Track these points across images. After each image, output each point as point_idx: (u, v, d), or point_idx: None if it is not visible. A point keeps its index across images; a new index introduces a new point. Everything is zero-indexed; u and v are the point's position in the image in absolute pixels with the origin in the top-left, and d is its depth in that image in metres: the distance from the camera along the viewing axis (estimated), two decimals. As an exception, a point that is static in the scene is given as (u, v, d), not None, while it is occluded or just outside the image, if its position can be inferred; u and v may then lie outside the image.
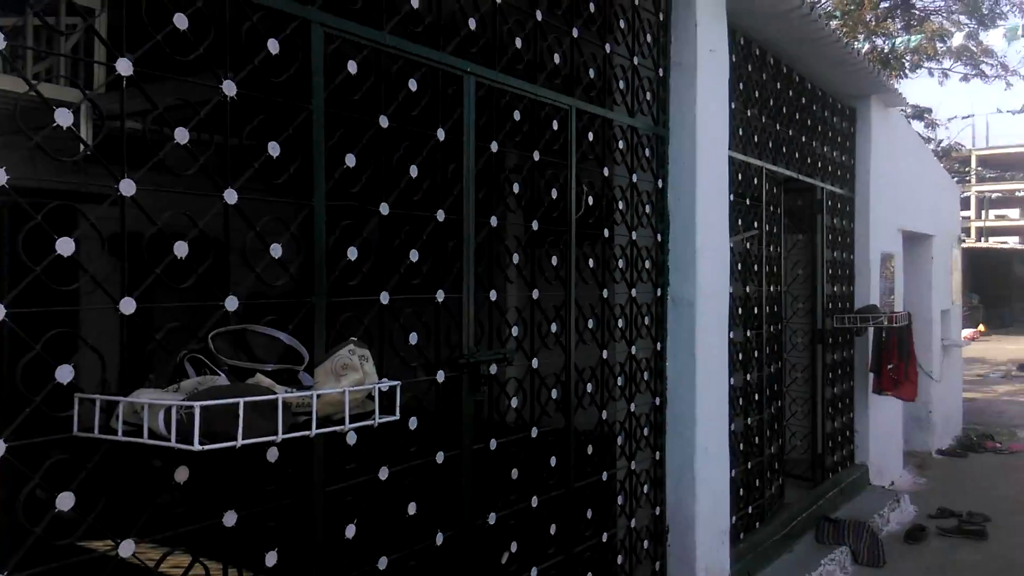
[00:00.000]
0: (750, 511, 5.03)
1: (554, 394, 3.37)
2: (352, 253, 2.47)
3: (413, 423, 2.66)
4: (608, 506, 3.77)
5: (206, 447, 1.58)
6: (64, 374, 1.73)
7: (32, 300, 1.70)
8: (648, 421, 4.06)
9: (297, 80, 2.31)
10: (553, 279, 3.38)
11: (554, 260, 3.38)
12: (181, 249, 1.96)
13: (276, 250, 2.21)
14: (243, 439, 1.63)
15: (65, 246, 1.73)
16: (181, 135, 1.99)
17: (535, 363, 3.26)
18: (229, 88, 2.10)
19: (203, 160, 2.03)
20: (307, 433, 1.78)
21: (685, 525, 4.10)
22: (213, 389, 1.67)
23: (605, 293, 3.69)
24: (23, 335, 1.68)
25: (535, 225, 3.24)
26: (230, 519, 2.04)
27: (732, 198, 4.80)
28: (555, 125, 3.35)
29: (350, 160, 2.46)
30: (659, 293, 4.10)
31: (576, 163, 3.45)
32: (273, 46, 2.23)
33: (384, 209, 2.56)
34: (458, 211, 2.86)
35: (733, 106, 4.83)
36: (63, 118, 1.79)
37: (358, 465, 2.49)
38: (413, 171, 2.69)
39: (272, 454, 2.21)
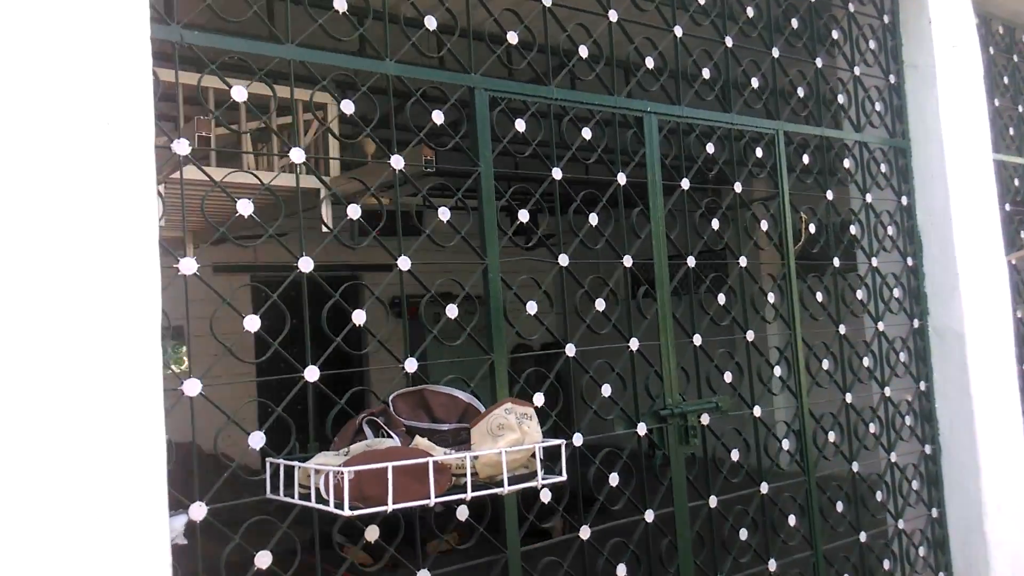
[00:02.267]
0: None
1: (786, 444, 3.06)
2: (531, 307, 2.46)
3: (615, 479, 2.54)
4: (871, 572, 3.29)
5: (356, 512, 1.62)
6: (255, 440, 1.90)
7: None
8: (917, 472, 3.51)
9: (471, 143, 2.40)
10: (773, 319, 3.10)
11: (771, 297, 3.10)
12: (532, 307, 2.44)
13: (532, 307, 2.45)
14: (394, 503, 1.65)
15: (358, 317, 2.09)
16: (444, 213, 2.31)
17: (757, 411, 2.98)
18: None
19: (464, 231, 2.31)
20: (463, 497, 1.77)
21: (979, 598, 3.45)
22: (367, 453, 1.72)
23: (842, 329, 3.30)
24: (331, 394, 2.00)
25: (743, 261, 3.00)
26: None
27: (1008, 208, 4.11)
28: (759, 152, 3.11)
29: (523, 215, 2.48)
30: (916, 325, 3.58)
31: (789, 189, 3.17)
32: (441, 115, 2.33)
33: (564, 260, 2.53)
34: (647, 254, 2.74)
35: (998, 103, 4.18)
36: (353, 212, 2.16)
37: (558, 523, 2.42)
38: (593, 219, 2.63)
39: (462, 512, 2.23)
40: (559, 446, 1.98)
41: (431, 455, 1.77)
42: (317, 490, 1.76)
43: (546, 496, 2.36)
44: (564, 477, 1.97)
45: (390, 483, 1.64)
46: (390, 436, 1.99)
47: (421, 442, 1.83)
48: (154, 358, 1.58)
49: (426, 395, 2.15)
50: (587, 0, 2.72)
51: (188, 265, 1.83)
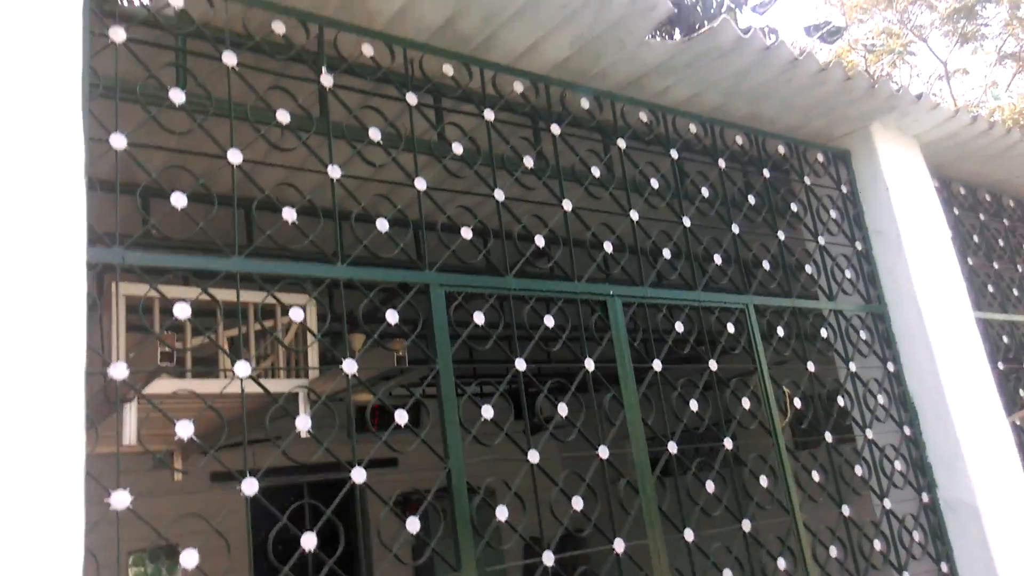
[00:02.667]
0: None
1: (801, 648, 2.74)
2: (502, 513, 2.25)
3: None
4: None
5: None
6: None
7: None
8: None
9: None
10: (768, 503, 2.87)
11: (764, 480, 2.89)
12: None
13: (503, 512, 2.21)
14: None
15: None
16: (487, 411, 2.28)
17: (764, 611, 2.69)
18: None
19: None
20: None
21: None
22: None
23: (846, 510, 3.06)
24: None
25: (728, 443, 2.83)
26: None
27: (1001, 366, 3.99)
28: (731, 327, 3.02)
29: (487, 412, 2.34)
30: (926, 499, 3.34)
31: (767, 363, 3.05)
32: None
33: (534, 457, 2.36)
34: (624, 443, 2.57)
35: (972, 262, 4.17)
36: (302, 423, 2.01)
37: None
38: (563, 409, 2.49)
39: None
40: None
41: None
42: None
43: None
44: None
45: None
46: None
47: None
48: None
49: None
50: (541, 192, 2.74)
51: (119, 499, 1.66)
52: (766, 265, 3.27)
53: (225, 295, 2.11)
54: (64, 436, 1.47)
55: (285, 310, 2.77)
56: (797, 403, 3.09)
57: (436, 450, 2.19)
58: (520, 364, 2.43)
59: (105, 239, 1.77)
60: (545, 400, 2.49)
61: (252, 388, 2.56)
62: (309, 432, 2.02)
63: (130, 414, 2.85)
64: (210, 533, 1.74)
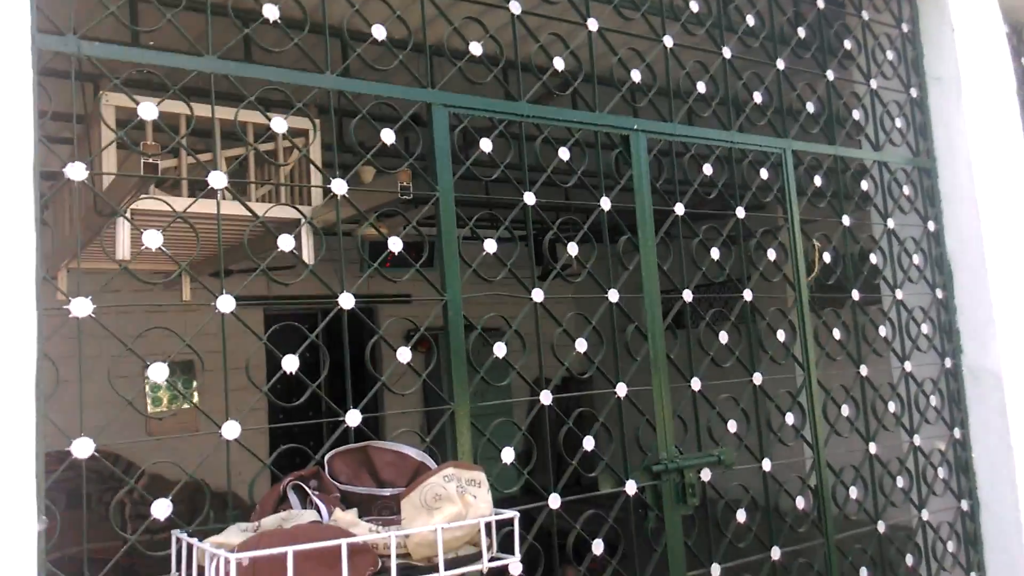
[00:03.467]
0: None
1: (800, 503, 2.70)
2: (500, 350, 2.16)
3: (599, 547, 2.21)
4: (904, 647, 2.90)
5: None
6: (160, 508, 1.61)
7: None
8: (953, 532, 3.12)
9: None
10: (783, 359, 2.76)
11: (781, 335, 2.77)
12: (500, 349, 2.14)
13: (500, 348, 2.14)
14: (294, 595, 1.35)
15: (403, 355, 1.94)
16: (490, 246, 2.18)
17: (767, 464, 2.63)
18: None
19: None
20: None
21: (1030, 675, 3.03)
22: (272, 533, 1.42)
23: (864, 370, 2.95)
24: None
25: (748, 295, 2.68)
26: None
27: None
28: (764, 174, 2.80)
29: (490, 245, 2.19)
30: (949, 364, 3.21)
31: (799, 215, 2.85)
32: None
33: (538, 296, 2.24)
34: (637, 288, 2.44)
35: (1035, 118, 3.83)
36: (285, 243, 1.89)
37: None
38: (573, 248, 2.34)
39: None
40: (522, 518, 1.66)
41: (351, 533, 1.47)
42: (215, 576, 1.46)
43: (516, 570, 2.04)
44: (516, 558, 1.65)
45: (290, 570, 1.34)
46: (317, 506, 1.69)
47: (342, 517, 1.53)
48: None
49: (370, 453, 1.84)
50: (563, 8, 2.46)
51: (79, 306, 1.56)
52: (810, 108, 2.99)
53: (223, 112, 1.94)
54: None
55: (286, 136, 2.61)
56: (827, 257, 2.91)
57: (433, 284, 2.07)
58: (529, 198, 2.26)
59: (60, 28, 1.58)
60: (560, 247, 2.35)
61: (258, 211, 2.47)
62: (294, 254, 1.89)
63: (122, 229, 2.76)
64: (229, 353, 1.73)
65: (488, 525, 1.64)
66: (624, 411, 2.35)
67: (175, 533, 1.63)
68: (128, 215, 2.11)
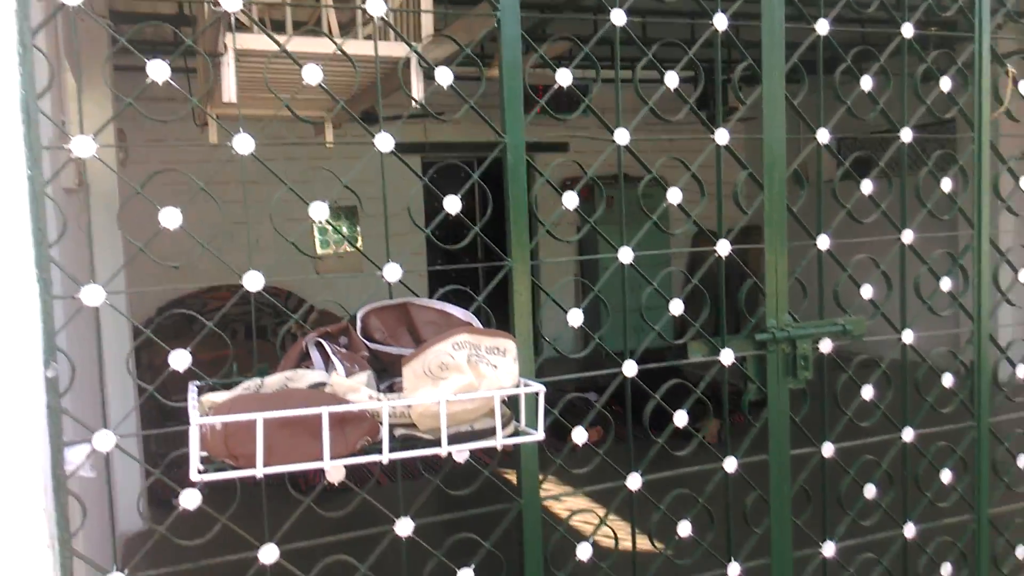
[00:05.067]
0: None
1: (947, 380, 2.31)
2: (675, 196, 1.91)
3: (682, 419, 2.01)
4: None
5: (204, 477, 1.28)
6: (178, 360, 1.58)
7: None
8: None
9: None
10: (947, 214, 2.28)
11: (947, 184, 2.27)
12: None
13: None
14: (272, 465, 1.29)
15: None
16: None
17: (907, 336, 2.25)
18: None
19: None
20: (378, 458, 1.36)
21: None
22: (237, 400, 1.34)
23: (1059, 227, 2.39)
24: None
25: (906, 135, 2.19)
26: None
27: None
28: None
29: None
30: None
31: (988, 32, 2.24)
32: None
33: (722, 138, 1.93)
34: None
35: None
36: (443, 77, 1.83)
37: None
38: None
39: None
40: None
41: (344, 400, 1.36)
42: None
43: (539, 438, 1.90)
44: (540, 435, 1.50)
45: (259, 440, 1.27)
46: (336, 364, 1.60)
47: (340, 382, 1.42)
48: None
49: (410, 310, 1.72)
50: None
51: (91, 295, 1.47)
52: None
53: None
54: None
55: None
56: (1022, 88, 2.30)
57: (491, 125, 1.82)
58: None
59: None
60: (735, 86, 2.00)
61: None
62: (454, 88, 1.75)
63: (229, 70, 2.72)
64: (389, 198, 1.67)
65: (514, 398, 1.50)
66: (724, 268, 2.05)
67: (193, 384, 1.60)
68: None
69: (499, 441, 1.44)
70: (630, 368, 1.94)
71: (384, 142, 1.67)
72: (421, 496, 1.75)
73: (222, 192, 1.59)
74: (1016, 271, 2.37)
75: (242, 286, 1.55)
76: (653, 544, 2.00)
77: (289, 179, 1.65)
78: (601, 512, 1.98)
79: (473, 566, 1.79)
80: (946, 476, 2.32)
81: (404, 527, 1.71)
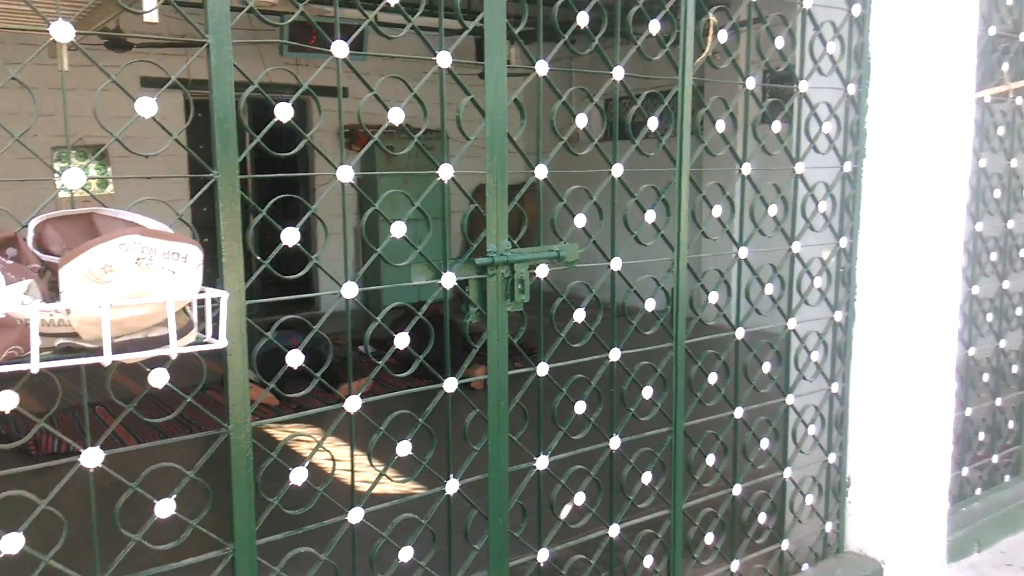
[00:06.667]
0: (995, 460, 3.78)
1: (649, 304, 2.52)
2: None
3: (403, 341, 2.02)
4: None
5: None
6: None
7: None
8: (821, 342, 3.02)
9: None
10: (654, 151, 2.46)
11: (653, 122, 2.45)
12: None
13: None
14: None
15: None
16: None
17: (616, 263, 2.42)
18: None
19: None
20: (27, 366, 1.23)
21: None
22: None
23: (746, 168, 2.67)
24: None
25: (619, 75, 2.33)
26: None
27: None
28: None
29: None
30: (848, 169, 2.95)
31: (695, -18, 2.42)
32: None
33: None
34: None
35: None
36: None
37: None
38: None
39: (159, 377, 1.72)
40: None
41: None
42: None
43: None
44: (223, 343, 1.44)
45: None
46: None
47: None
48: None
49: (95, 220, 1.56)
50: None
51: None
52: None
53: None
54: None
55: None
56: (721, 36, 2.52)
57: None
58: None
59: None
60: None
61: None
62: None
63: None
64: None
65: (194, 305, 1.42)
66: (446, 193, 2.07)
67: None
68: None
69: (173, 350, 1.35)
70: (350, 290, 1.91)
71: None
72: (112, 425, 1.63)
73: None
74: (711, 206, 2.62)
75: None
76: (372, 464, 2.02)
77: (25, 110, 1.41)
78: (319, 437, 1.96)
79: (174, 496, 1.70)
80: (647, 392, 2.55)
81: (92, 457, 1.58)
